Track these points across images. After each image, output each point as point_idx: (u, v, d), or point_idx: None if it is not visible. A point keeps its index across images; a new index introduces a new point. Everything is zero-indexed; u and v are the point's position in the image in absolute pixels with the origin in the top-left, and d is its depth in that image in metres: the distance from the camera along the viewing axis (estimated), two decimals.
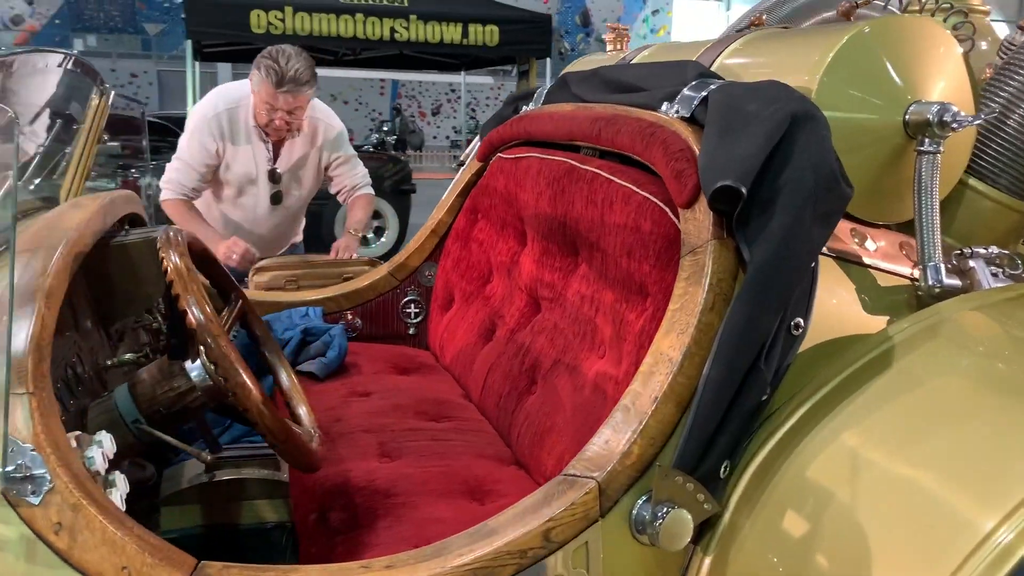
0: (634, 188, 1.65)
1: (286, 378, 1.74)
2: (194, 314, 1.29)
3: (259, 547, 1.92)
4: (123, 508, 1.19)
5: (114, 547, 1.03)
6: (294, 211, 3.22)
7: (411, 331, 2.73)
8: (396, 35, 7.27)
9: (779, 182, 1.30)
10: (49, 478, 1.02)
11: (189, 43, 7.06)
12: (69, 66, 2.27)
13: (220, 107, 2.93)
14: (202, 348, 1.37)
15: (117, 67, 23.64)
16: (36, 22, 24.68)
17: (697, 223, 1.39)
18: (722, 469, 1.28)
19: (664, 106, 1.65)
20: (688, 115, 1.59)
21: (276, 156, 3.02)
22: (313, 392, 2.21)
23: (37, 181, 2.20)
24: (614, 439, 1.27)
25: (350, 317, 2.66)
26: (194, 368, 1.42)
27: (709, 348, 1.27)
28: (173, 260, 1.34)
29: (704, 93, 1.58)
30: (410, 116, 23.68)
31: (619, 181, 1.71)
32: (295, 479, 1.81)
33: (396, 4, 7.28)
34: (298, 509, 1.72)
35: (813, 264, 1.35)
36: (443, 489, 1.70)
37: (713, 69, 1.77)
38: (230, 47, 7.81)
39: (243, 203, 3.09)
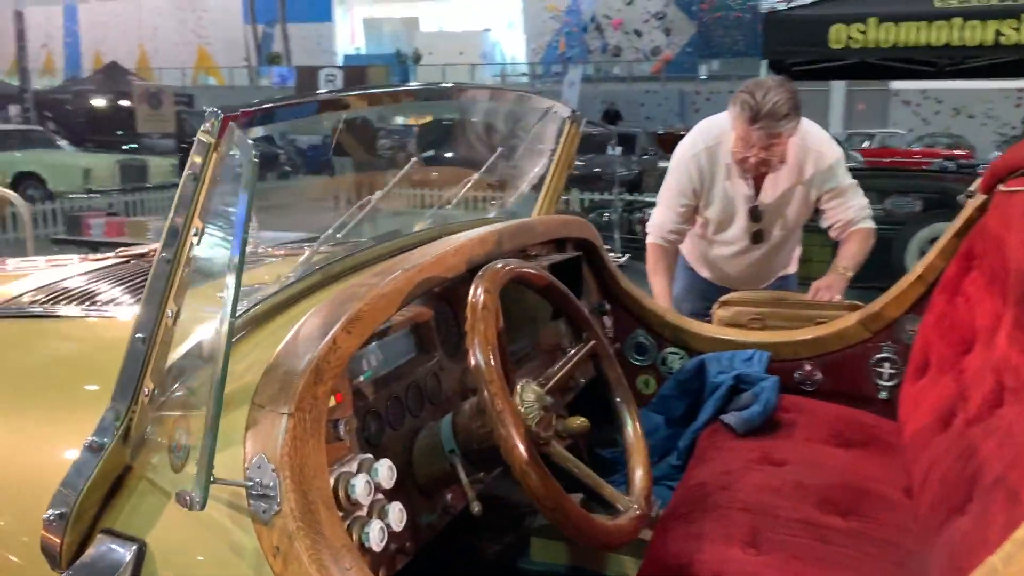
0: None
1: (631, 433, 1.57)
2: (475, 355, 1.22)
3: None
4: (381, 542, 1.18)
5: None
6: (780, 245, 2.95)
7: (882, 395, 2.28)
8: (1002, 38, 6.21)
9: None
10: (279, 500, 1.06)
11: (764, 63, 7.03)
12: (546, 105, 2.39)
13: (700, 146, 2.82)
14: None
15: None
16: (671, 51, 27.45)
17: None
18: None
19: None
20: None
21: (758, 192, 2.80)
22: (724, 449, 1.98)
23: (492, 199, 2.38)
24: None
25: (807, 368, 2.33)
26: None
27: None
28: (476, 295, 1.29)
29: None
30: None
31: None
32: (652, 543, 1.64)
33: (1006, 2, 6.21)
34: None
35: None
36: None
37: None
38: (813, 65, 7.58)
39: (722, 240, 2.95)
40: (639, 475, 1.48)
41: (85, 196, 11.12)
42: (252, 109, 1.07)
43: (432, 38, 29.76)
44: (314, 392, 1.14)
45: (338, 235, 1.62)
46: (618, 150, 14.23)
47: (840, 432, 2.05)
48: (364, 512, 1.21)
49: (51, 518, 1.14)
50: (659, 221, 2.95)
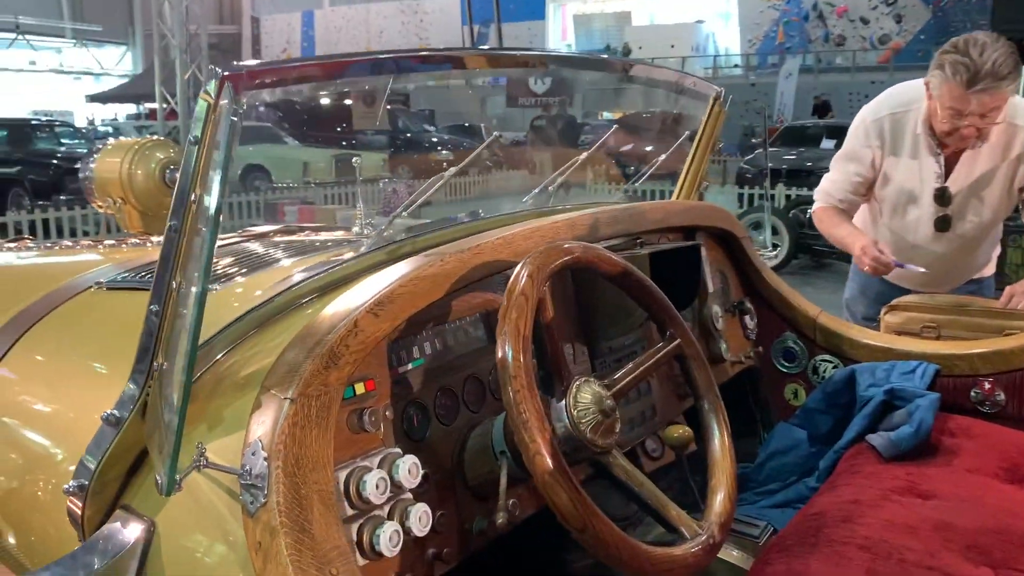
0: None
1: (717, 447, 1.35)
2: (501, 348, 1.07)
3: None
4: (395, 546, 1.07)
5: None
6: (972, 239, 2.52)
7: None
8: None
9: None
10: (267, 492, 0.98)
11: None
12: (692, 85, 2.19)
13: (884, 111, 2.47)
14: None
15: None
16: (901, 39, 25.42)
17: None
18: None
19: None
20: None
21: (948, 172, 2.42)
22: (864, 474, 1.71)
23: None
24: None
25: (987, 387, 1.97)
26: (557, 409, 1.20)
27: None
28: (517, 279, 1.14)
29: None
30: None
31: None
32: (749, 574, 1.42)
33: None
34: None
35: None
36: None
37: None
38: None
39: (900, 225, 2.56)
40: (718, 498, 1.27)
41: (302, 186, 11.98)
42: (257, 69, 0.99)
43: (643, 31, 29.30)
44: (324, 378, 1.05)
45: (405, 213, 1.52)
46: (831, 143, 13.32)
47: (1017, 465, 1.71)
48: (384, 512, 1.10)
49: (71, 488, 1.13)
50: (827, 187, 2.62)
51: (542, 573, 1.65)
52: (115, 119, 26.14)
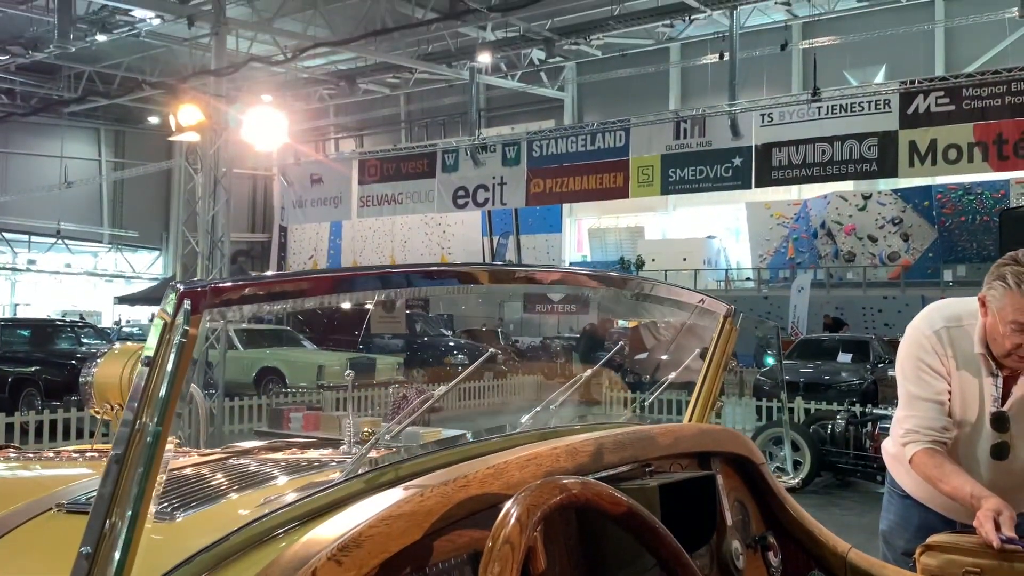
0: None
1: None
2: None
3: None
4: None
5: None
6: None
7: None
8: None
9: None
10: None
11: None
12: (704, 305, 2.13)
13: (938, 324, 2.31)
14: None
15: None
16: (910, 257, 25.98)
17: None
18: None
19: None
20: None
21: (1005, 396, 2.27)
22: None
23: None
24: None
25: None
26: None
27: None
28: (503, 524, 0.99)
29: None
30: None
31: None
32: None
33: None
34: None
35: None
36: None
37: None
38: None
39: (953, 449, 2.36)
40: None
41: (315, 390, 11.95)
42: (221, 285, 0.91)
43: (656, 245, 30.19)
44: None
45: (388, 437, 1.40)
46: (847, 356, 13.26)
47: None
48: None
49: None
50: (919, 424, 2.30)
51: None
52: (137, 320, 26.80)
